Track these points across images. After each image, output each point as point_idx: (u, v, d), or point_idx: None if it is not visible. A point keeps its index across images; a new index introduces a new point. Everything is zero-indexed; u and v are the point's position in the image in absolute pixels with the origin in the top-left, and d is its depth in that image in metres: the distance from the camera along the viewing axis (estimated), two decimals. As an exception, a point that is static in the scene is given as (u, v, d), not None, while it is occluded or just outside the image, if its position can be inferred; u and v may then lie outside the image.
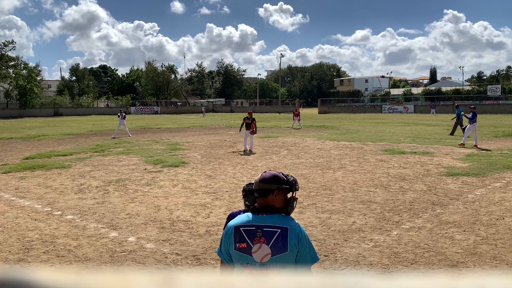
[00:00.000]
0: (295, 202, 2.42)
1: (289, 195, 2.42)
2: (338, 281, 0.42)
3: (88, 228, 6.38)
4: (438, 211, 7.10)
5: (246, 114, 16.38)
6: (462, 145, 15.76)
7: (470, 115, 16.19)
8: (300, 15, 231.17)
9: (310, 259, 2.33)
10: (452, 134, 20.94)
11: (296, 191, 2.42)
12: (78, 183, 9.73)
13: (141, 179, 10.13)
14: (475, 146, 15.56)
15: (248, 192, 3.40)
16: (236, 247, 2.32)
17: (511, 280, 0.42)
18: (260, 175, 2.45)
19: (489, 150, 14.66)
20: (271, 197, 2.35)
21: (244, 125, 15.64)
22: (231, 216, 3.53)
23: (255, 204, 3.37)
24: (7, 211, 7.34)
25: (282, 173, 2.46)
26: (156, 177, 10.36)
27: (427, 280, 0.42)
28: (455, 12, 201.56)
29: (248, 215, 2.38)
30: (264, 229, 2.29)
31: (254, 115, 16.44)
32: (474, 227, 6.22)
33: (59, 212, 7.25)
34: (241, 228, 2.33)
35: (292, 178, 2.43)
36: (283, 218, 2.34)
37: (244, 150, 15.22)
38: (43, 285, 0.40)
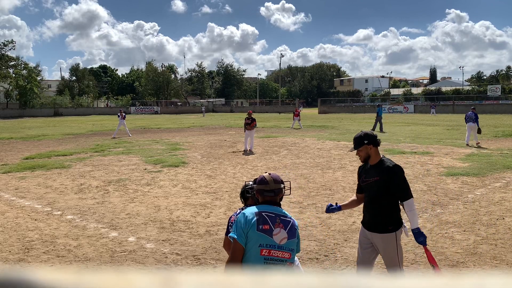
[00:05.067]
0: None
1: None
2: (338, 281, 0.42)
3: (88, 228, 6.39)
4: (438, 211, 7.10)
5: (246, 114, 16.41)
6: (478, 144, 15.94)
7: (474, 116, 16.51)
8: (302, 14, 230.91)
9: (299, 248, 2.95)
10: (381, 131, 22.75)
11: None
12: (78, 183, 9.74)
13: (141, 179, 10.13)
14: (478, 143, 15.95)
15: (244, 193, 3.52)
16: (259, 229, 2.71)
17: (511, 280, 0.42)
18: (267, 176, 2.93)
19: (486, 148, 14.66)
20: (280, 194, 2.91)
21: (245, 125, 15.70)
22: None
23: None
24: (7, 211, 7.34)
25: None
26: (156, 177, 10.36)
27: (427, 280, 0.42)
28: (458, 12, 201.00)
29: (265, 206, 2.85)
30: (281, 217, 2.81)
31: (254, 115, 16.51)
32: (474, 227, 6.22)
33: (59, 212, 7.25)
34: (263, 213, 2.77)
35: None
36: (287, 213, 2.91)
37: (244, 150, 15.24)
38: (43, 285, 0.40)
